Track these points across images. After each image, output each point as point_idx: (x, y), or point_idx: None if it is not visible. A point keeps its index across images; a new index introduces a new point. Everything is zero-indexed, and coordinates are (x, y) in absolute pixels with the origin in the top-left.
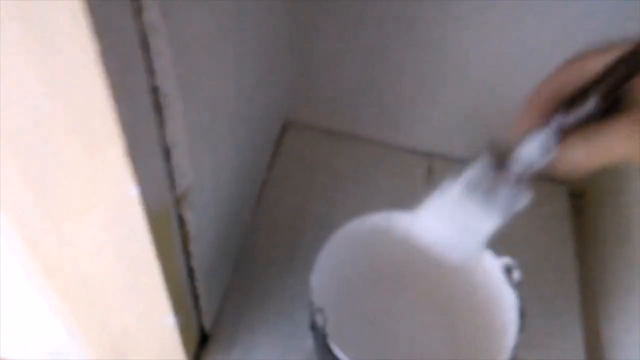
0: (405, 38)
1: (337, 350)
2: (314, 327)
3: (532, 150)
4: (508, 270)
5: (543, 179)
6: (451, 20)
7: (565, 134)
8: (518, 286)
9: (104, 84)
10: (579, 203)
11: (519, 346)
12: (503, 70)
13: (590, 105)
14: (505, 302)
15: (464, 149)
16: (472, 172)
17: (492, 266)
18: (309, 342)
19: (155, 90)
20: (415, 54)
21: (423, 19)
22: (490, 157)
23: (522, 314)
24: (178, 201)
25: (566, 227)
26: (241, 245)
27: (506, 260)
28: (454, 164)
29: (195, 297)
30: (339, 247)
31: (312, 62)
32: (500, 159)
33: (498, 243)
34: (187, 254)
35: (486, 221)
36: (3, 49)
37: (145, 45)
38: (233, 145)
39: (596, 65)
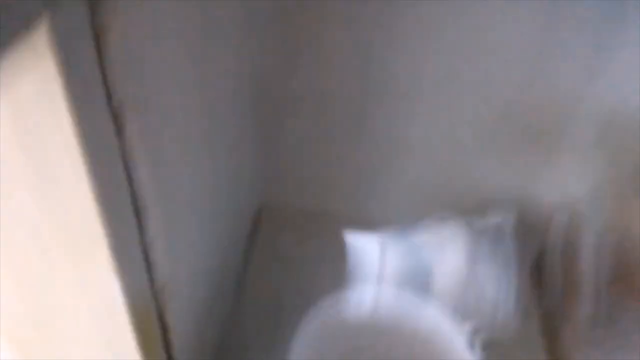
0: (358, 131)
1: None
2: None
3: None
4: (471, 336)
5: None
6: (402, 117)
7: None
8: (482, 350)
9: (91, 196)
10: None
11: None
12: (451, 151)
13: None
14: None
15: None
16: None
17: (456, 331)
18: None
19: (134, 197)
20: (368, 141)
21: (375, 115)
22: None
23: None
24: (157, 295)
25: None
26: (223, 333)
27: (468, 326)
28: None
29: None
30: (313, 330)
31: (280, 153)
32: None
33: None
34: (167, 344)
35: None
36: (7, 178)
37: (124, 159)
38: (209, 239)
39: None
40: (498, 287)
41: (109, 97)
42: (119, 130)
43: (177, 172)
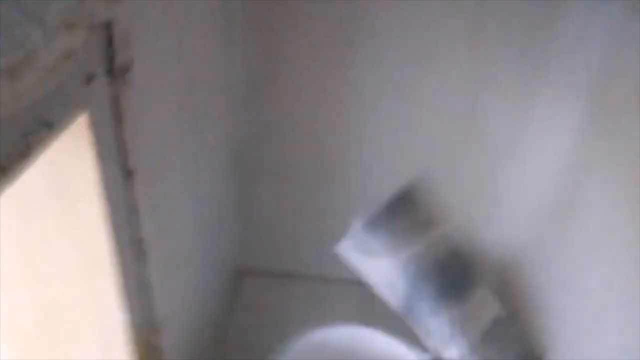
0: (326, 194)
1: None
2: None
3: None
4: None
5: None
6: (372, 169)
7: None
8: None
9: (108, 238)
10: None
11: None
12: None
13: None
14: None
15: None
16: None
17: None
18: None
19: (139, 241)
20: (340, 198)
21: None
22: None
23: None
24: (156, 330)
25: None
26: None
27: (427, 357)
28: None
29: None
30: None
31: (257, 220)
32: None
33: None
34: None
35: None
36: (42, 215)
37: (134, 211)
38: (196, 289)
39: None
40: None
41: (124, 161)
42: (131, 187)
43: (171, 224)
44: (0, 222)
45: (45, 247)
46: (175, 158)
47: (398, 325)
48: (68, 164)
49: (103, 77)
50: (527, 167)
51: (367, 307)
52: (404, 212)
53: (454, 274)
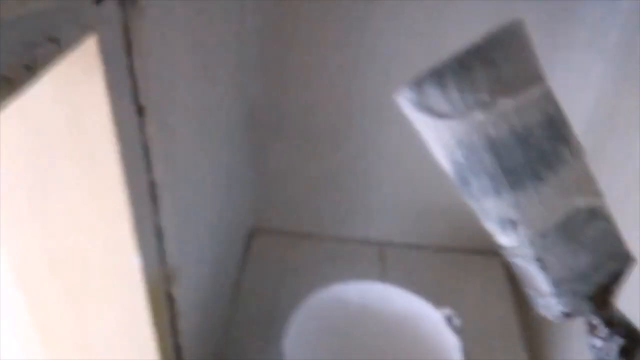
0: (345, 148)
1: None
2: None
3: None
4: (449, 319)
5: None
6: (386, 123)
7: None
8: (459, 331)
9: (121, 177)
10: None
11: None
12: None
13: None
14: (450, 346)
15: (410, 235)
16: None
17: (435, 317)
18: None
19: (152, 184)
20: (354, 157)
21: (357, 135)
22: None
23: (465, 354)
24: (169, 278)
25: (502, 283)
26: (222, 327)
27: (446, 310)
28: (402, 249)
29: None
30: (306, 314)
31: (272, 178)
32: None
33: (440, 298)
34: (175, 331)
35: None
36: (55, 153)
37: (146, 151)
38: (211, 241)
39: None
40: None
41: (136, 96)
42: (142, 124)
43: (184, 172)
44: (8, 152)
45: (55, 183)
46: (188, 102)
47: (413, 283)
48: (79, 94)
49: (113, 0)
50: None
51: (382, 267)
52: (483, 66)
53: (532, 150)
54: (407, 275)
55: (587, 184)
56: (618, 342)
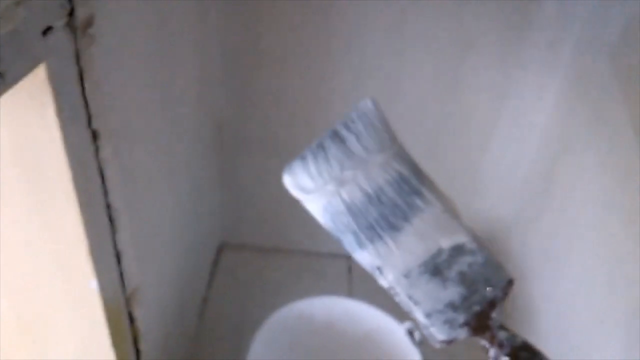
0: None
1: None
2: None
3: None
4: (410, 333)
5: None
6: None
7: None
8: (420, 344)
9: (76, 203)
10: None
11: None
12: None
13: None
14: (412, 358)
15: None
16: None
17: (399, 331)
18: None
19: (109, 207)
20: None
21: None
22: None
23: None
24: (128, 299)
25: None
26: (188, 344)
27: (407, 324)
28: None
29: None
30: (271, 330)
31: (239, 193)
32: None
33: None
34: (137, 352)
35: None
36: (4, 185)
37: (101, 174)
38: (175, 259)
39: None
40: None
41: (89, 121)
42: (97, 149)
43: (143, 193)
44: None
45: (7, 212)
46: (147, 124)
47: (381, 297)
48: (29, 122)
49: (62, 31)
50: (505, 143)
51: (350, 281)
52: (335, 144)
53: (385, 207)
54: (375, 287)
55: (446, 225)
56: (504, 357)
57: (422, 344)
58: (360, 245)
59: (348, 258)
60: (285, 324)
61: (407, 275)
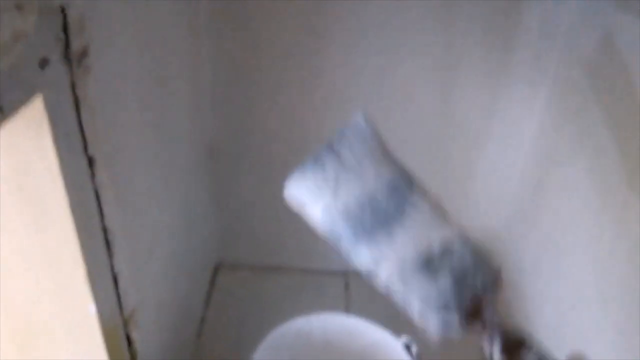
0: None
1: None
2: None
3: None
4: (407, 347)
5: None
6: None
7: None
8: (417, 358)
9: (73, 227)
10: None
11: None
12: None
13: None
14: None
15: None
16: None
17: (397, 345)
18: None
19: (105, 230)
20: None
21: None
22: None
23: None
24: (126, 321)
25: None
26: None
27: (404, 339)
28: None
29: None
30: (269, 349)
31: (234, 213)
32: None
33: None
34: None
35: None
36: (4, 211)
37: (98, 199)
38: (171, 281)
39: None
40: None
41: (85, 147)
42: (93, 174)
43: (138, 216)
44: None
45: (6, 237)
46: (142, 148)
47: (379, 313)
48: (27, 149)
49: (58, 62)
50: (496, 154)
51: (347, 297)
52: (330, 158)
53: (378, 213)
54: (372, 303)
55: (435, 224)
56: (497, 343)
57: (420, 358)
58: (356, 249)
59: (345, 275)
60: (283, 342)
61: (400, 273)
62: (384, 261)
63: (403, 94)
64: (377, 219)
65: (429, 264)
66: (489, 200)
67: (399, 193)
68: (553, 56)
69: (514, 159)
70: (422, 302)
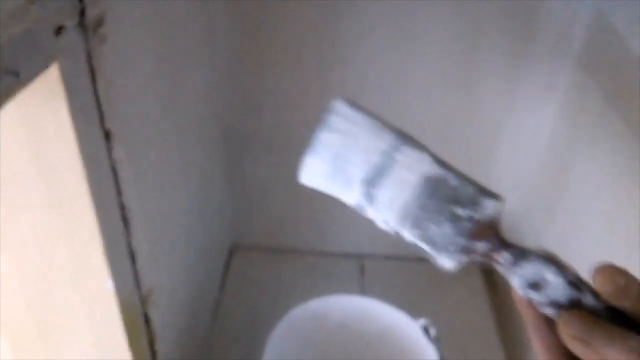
0: None
1: None
2: None
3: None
4: (425, 329)
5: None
6: None
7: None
8: (436, 341)
9: (90, 202)
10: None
11: None
12: None
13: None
14: (428, 356)
15: (389, 247)
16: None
17: (414, 328)
18: None
19: (123, 207)
20: None
21: None
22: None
23: None
24: (144, 300)
25: (480, 290)
26: (202, 344)
27: (422, 321)
28: (382, 261)
29: None
30: (285, 331)
31: (249, 194)
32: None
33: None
34: (153, 353)
35: None
36: (20, 184)
37: (115, 174)
38: (187, 262)
39: None
40: None
41: (102, 120)
42: (110, 149)
43: (154, 194)
44: None
45: (23, 213)
46: (157, 125)
47: (395, 295)
48: (43, 121)
49: (74, 30)
50: (514, 143)
51: (362, 280)
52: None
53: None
54: (388, 286)
55: (428, 160)
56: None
57: (438, 340)
58: (367, 205)
59: (360, 257)
60: (299, 324)
61: (404, 213)
62: (387, 208)
63: (423, 82)
64: (377, 169)
65: (429, 196)
66: (507, 188)
67: (392, 146)
68: (573, 46)
69: (533, 147)
70: (430, 236)
